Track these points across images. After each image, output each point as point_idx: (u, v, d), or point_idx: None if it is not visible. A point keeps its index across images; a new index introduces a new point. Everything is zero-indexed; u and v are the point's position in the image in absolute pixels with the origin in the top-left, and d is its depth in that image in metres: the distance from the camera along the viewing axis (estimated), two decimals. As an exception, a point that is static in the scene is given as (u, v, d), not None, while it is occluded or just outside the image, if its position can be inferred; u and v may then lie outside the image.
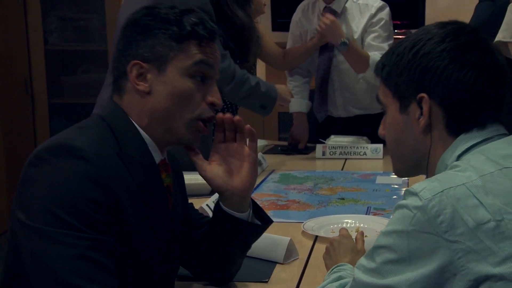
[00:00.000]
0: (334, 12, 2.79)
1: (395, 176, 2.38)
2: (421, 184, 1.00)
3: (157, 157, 1.19)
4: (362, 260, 1.06)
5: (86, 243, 1.03)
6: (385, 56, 1.15)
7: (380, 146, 2.72)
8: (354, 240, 1.45)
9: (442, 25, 1.11)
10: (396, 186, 2.23)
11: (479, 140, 1.07)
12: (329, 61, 2.86)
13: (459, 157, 1.06)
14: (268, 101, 2.50)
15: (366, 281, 1.02)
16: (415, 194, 0.98)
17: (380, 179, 2.35)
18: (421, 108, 1.09)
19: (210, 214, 1.81)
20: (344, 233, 1.46)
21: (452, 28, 1.10)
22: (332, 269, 1.29)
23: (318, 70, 2.89)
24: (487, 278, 0.93)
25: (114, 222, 1.07)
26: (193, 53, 1.16)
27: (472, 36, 1.09)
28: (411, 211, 0.97)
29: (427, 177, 1.13)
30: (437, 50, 1.07)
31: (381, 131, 1.20)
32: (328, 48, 2.84)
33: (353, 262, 1.33)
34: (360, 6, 2.78)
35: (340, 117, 2.97)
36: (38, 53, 4.06)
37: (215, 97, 1.20)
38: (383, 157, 2.69)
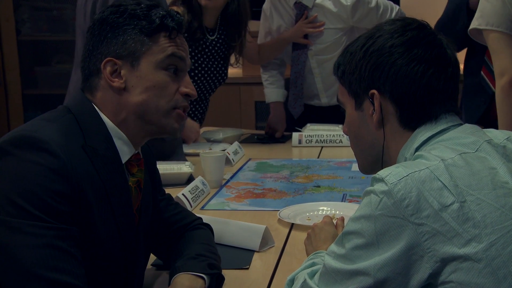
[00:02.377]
0: (304, 7, 2.80)
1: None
2: (386, 170, 1.02)
3: (130, 151, 1.19)
4: (332, 247, 1.07)
5: (53, 233, 1.03)
6: (341, 55, 1.19)
7: (356, 133, 2.73)
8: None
9: (392, 21, 1.15)
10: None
11: (435, 132, 1.10)
12: (304, 55, 2.86)
13: (417, 150, 1.09)
14: None
15: (336, 267, 1.04)
16: (381, 179, 1.01)
17: (356, 167, 2.35)
18: (374, 104, 1.12)
19: (186, 203, 1.81)
20: (327, 220, 1.48)
21: (400, 25, 1.13)
22: (310, 257, 1.30)
23: (293, 65, 2.90)
24: (454, 259, 0.95)
25: (78, 213, 1.08)
26: (164, 46, 1.18)
27: (419, 31, 1.12)
28: (378, 196, 0.99)
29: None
30: (385, 47, 1.11)
31: (344, 128, 1.24)
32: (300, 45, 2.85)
33: None
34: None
35: (318, 107, 2.98)
36: (10, 43, 4.00)
37: (189, 88, 1.22)
38: (359, 145, 2.70)
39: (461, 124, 1.13)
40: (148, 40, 1.16)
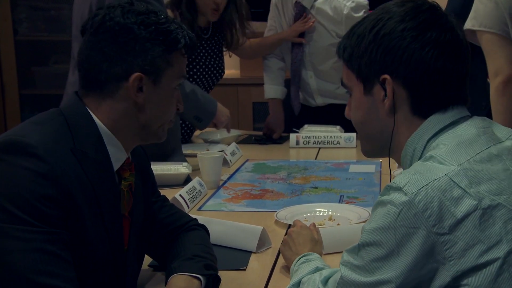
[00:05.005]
0: (304, 8, 2.81)
1: (368, 165, 2.42)
2: (402, 178, 0.98)
3: (122, 156, 1.20)
4: (347, 257, 1.04)
5: (42, 237, 1.03)
6: (346, 37, 1.13)
7: (353, 135, 2.74)
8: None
9: (401, 3, 1.09)
10: (371, 171, 2.25)
11: (446, 123, 1.06)
12: (301, 54, 2.88)
13: (428, 141, 1.06)
14: (204, 114, 2.38)
15: (354, 279, 1.01)
16: (398, 189, 0.97)
17: (353, 168, 2.37)
18: (385, 90, 1.07)
19: (183, 204, 1.81)
20: (301, 224, 1.47)
21: (411, 6, 1.08)
22: (299, 259, 1.30)
23: (292, 63, 2.92)
24: (474, 265, 0.93)
25: (67, 217, 1.07)
26: (179, 66, 1.20)
27: (431, 13, 1.07)
28: (396, 207, 0.96)
29: (388, 156, 1.13)
30: (397, 30, 1.05)
31: (347, 112, 1.18)
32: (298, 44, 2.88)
33: (313, 251, 1.35)
34: (330, 4, 2.78)
35: (315, 107, 2.98)
36: (7, 43, 4.00)
37: (180, 103, 1.26)
38: (356, 146, 2.71)
39: (469, 116, 1.09)
40: (170, 58, 1.18)
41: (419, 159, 1.06)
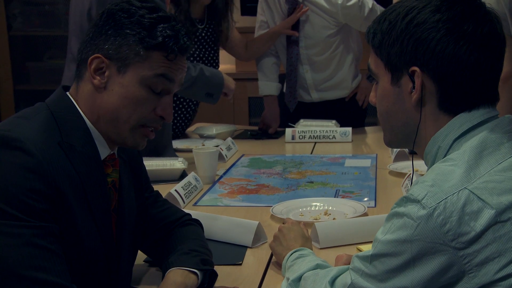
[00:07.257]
0: (296, 2, 2.80)
1: (364, 159, 2.42)
2: (420, 189, 0.95)
3: (105, 151, 1.18)
4: (358, 264, 1.02)
5: (31, 231, 1.02)
6: (377, 22, 1.07)
7: (349, 129, 2.74)
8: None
9: None
10: (367, 166, 2.25)
11: (474, 123, 1.01)
12: (296, 48, 2.87)
13: (455, 141, 1.02)
14: (214, 88, 2.45)
15: (366, 287, 0.99)
16: (416, 201, 0.94)
17: (349, 162, 2.37)
18: (413, 82, 1.03)
19: (179, 199, 1.81)
20: (292, 221, 1.48)
21: None
22: (291, 254, 1.30)
23: (288, 58, 2.91)
24: (494, 277, 0.91)
25: (56, 210, 1.07)
26: (157, 65, 1.15)
27: (469, 4, 1.02)
28: (414, 221, 0.93)
29: (412, 149, 1.10)
30: (431, 20, 1.00)
31: (372, 98, 1.13)
32: (293, 38, 2.86)
33: (304, 247, 1.34)
34: None
35: (310, 103, 2.98)
36: (1, 39, 3.98)
37: (166, 111, 1.18)
38: (352, 140, 2.72)
39: (496, 116, 1.04)
40: (144, 53, 1.14)
41: (442, 158, 1.02)
